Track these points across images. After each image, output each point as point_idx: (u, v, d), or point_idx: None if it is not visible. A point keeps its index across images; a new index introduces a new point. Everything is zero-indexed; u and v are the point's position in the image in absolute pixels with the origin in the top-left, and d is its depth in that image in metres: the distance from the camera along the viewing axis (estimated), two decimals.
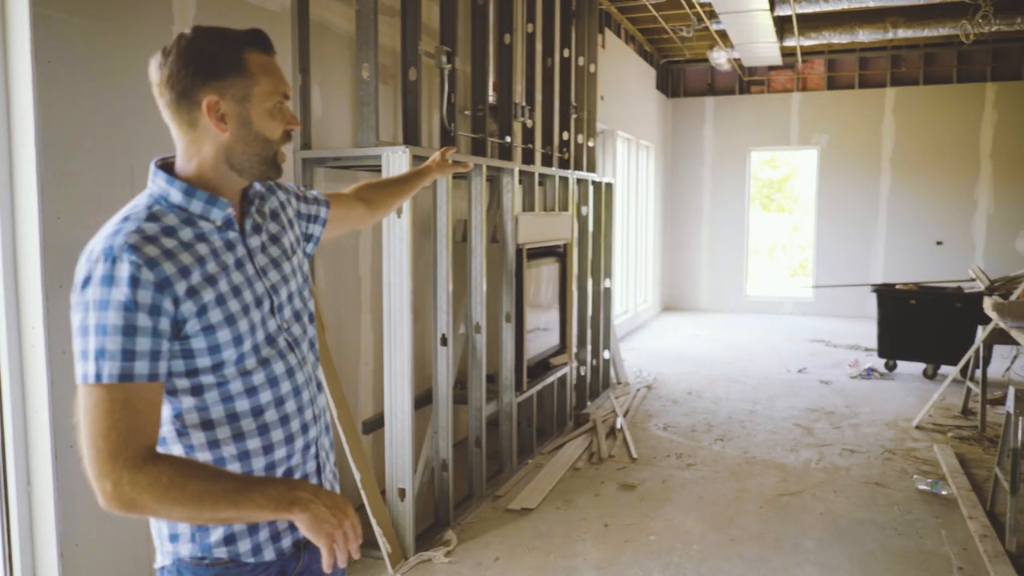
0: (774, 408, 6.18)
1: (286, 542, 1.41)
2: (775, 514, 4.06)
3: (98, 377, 1.17)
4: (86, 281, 1.19)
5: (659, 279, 11.67)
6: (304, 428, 1.43)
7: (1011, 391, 3.76)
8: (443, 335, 3.76)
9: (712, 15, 8.60)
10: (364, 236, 4.18)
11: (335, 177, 3.95)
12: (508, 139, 4.84)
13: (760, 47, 9.25)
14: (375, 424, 4.00)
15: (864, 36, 9.03)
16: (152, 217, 1.26)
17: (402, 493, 3.47)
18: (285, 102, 1.35)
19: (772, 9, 7.86)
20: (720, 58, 10.08)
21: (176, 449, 1.32)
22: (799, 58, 10.89)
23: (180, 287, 1.23)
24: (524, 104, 5.14)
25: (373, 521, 3.37)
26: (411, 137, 3.79)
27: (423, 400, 4.13)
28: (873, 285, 7.65)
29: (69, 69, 2.48)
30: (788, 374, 7.45)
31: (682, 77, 11.99)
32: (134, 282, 1.18)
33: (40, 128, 2.38)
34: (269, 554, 1.38)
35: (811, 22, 9.06)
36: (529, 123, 5.23)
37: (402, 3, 3.79)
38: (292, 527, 1.41)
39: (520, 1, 5.25)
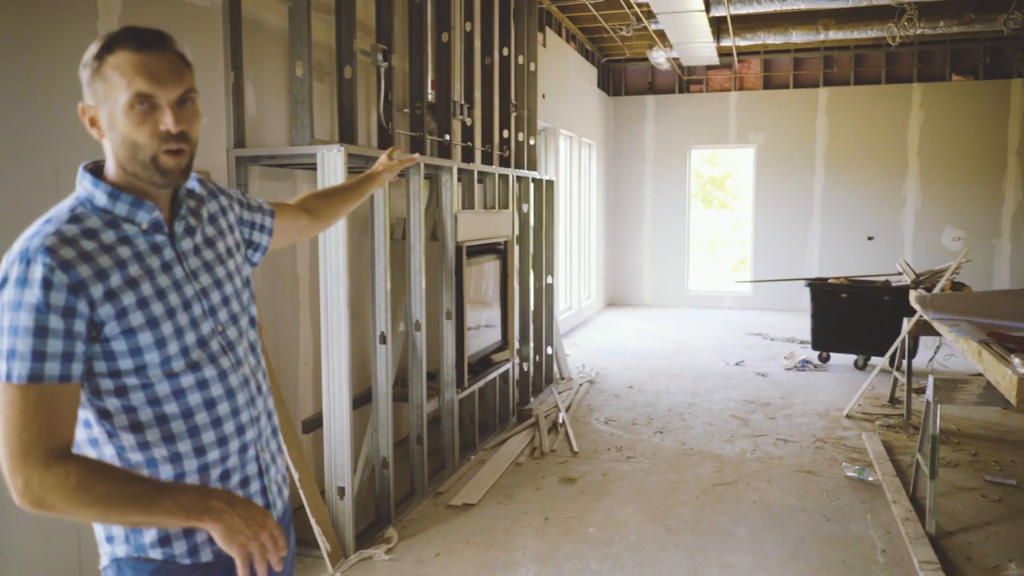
0: (712, 400, 6.33)
1: None
2: (710, 504, 4.18)
3: (8, 377, 1.17)
4: (3, 283, 1.20)
5: (603, 275, 11.82)
6: (240, 430, 1.42)
7: (930, 380, 3.93)
8: (382, 333, 3.77)
9: (650, 15, 8.74)
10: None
11: (270, 175, 3.91)
12: (447, 137, 4.86)
13: (697, 47, 9.44)
14: (315, 423, 3.99)
15: (798, 37, 9.29)
16: (74, 219, 1.27)
17: (341, 492, 3.46)
18: (159, 102, 1.27)
19: (708, 10, 8.03)
20: (659, 57, 10.25)
21: (108, 450, 1.32)
22: (736, 58, 11.15)
23: (96, 290, 1.23)
24: (463, 102, 5.16)
25: (312, 520, 3.36)
26: (347, 135, 3.78)
27: (364, 399, 4.13)
28: (806, 280, 7.89)
29: None
30: (726, 367, 7.63)
31: (623, 76, 12.15)
32: (46, 284, 1.18)
33: None
34: (207, 555, 1.38)
35: (746, 23, 9.29)
36: (468, 121, 5.25)
37: (337, 0, 3.78)
38: None
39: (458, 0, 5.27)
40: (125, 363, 1.28)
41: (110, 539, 1.37)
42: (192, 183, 1.49)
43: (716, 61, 10.37)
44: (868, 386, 6.15)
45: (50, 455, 1.18)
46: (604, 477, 4.56)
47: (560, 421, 5.55)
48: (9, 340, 1.18)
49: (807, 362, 7.60)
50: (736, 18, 9.06)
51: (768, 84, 11.56)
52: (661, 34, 9.52)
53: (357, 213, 4.42)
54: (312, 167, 3.79)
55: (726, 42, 9.46)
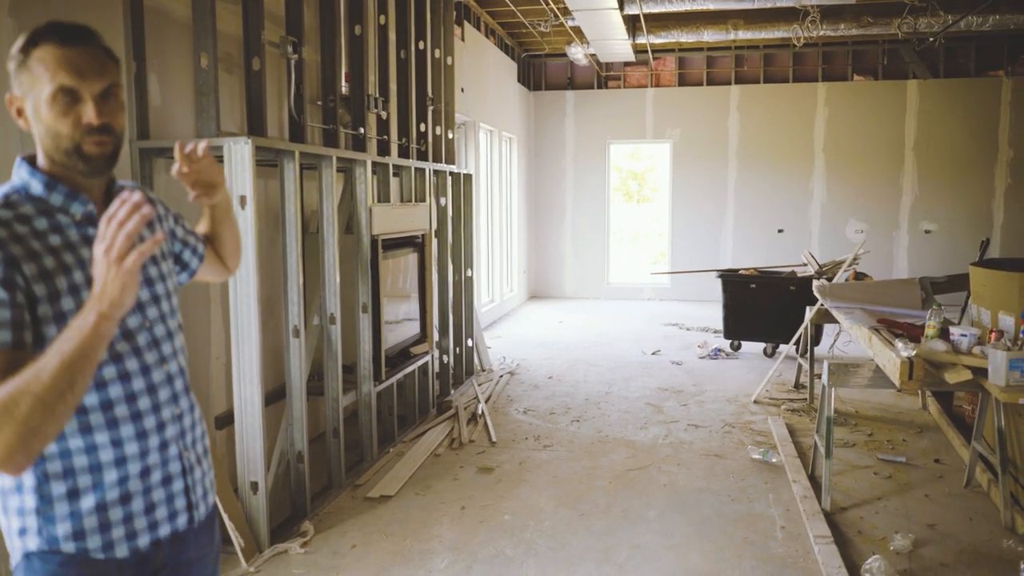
0: (628, 389, 6.50)
1: (143, 540, 1.41)
2: (623, 488, 4.31)
3: None
4: None
5: (525, 268, 11.94)
6: (160, 427, 1.43)
7: (826, 365, 4.15)
8: (295, 327, 3.75)
9: (567, 12, 8.87)
10: None
11: None
12: (362, 131, 4.84)
13: (614, 44, 9.62)
14: (227, 419, 3.93)
15: (709, 36, 9.58)
16: (8, 205, 1.31)
17: (254, 487, 3.44)
18: (82, 95, 1.31)
19: (621, 8, 8.20)
20: (578, 53, 10.41)
21: None
22: (651, 55, 11.40)
23: (29, 268, 1.27)
24: (378, 96, 5.15)
25: (225, 516, 3.32)
26: (256, 128, 3.74)
27: (278, 394, 4.10)
28: (718, 271, 8.16)
29: None
30: (643, 356, 7.83)
31: (543, 71, 12.28)
32: None
33: None
34: (122, 551, 1.38)
35: (660, 21, 9.52)
36: (384, 114, 5.24)
37: None
38: (150, 526, 1.42)
39: None
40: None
41: (22, 531, 1.36)
42: (128, 186, 1.54)
43: (632, 58, 10.59)
44: (775, 372, 6.42)
45: None
46: (521, 466, 4.64)
47: (480, 412, 5.62)
48: None
49: (719, 350, 7.87)
50: (649, 16, 9.28)
51: (683, 81, 11.87)
52: (578, 30, 9.66)
53: (268, 205, 4.37)
54: (219, 159, 3.73)
55: (641, 39, 9.67)
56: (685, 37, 9.64)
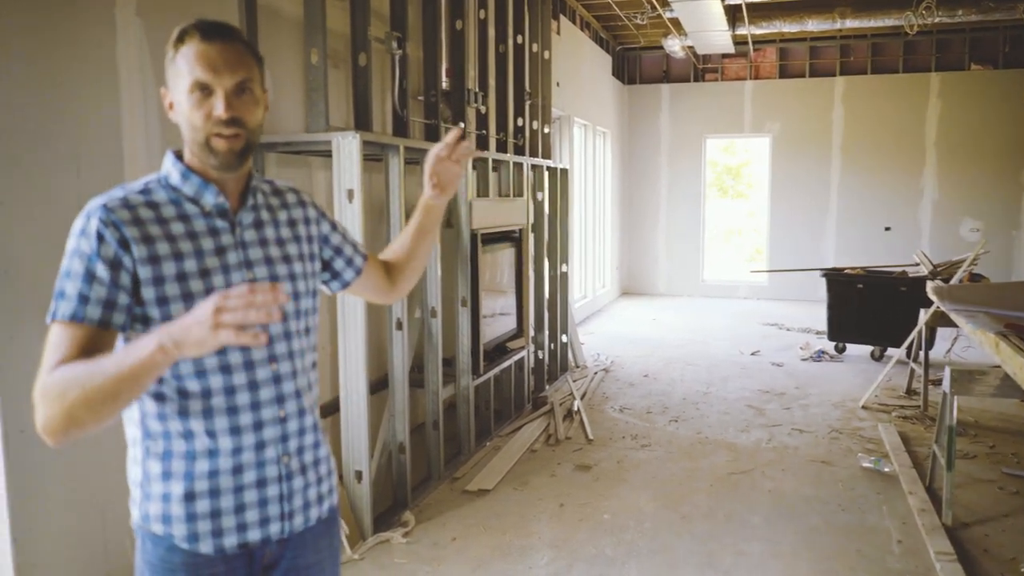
0: (727, 389, 6.32)
1: (229, 540, 1.39)
2: (725, 492, 4.17)
3: (53, 315, 1.27)
4: (71, 233, 1.32)
5: (618, 264, 11.80)
6: (258, 425, 1.40)
7: (947, 371, 3.91)
8: (398, 319, 3.78)
9: (665, 3, 8.69)
10: None
11: (286, 162, 3.93)
12: (462, 125, 4.85)
13: (713, 35, 9.37)
14: (332, 408, 4.01)
15: (813, 25, 9.21)
16: (144, 190, 1.38)
17: (359, 476, 3.49)
18: (215, 89, 1.33)
19: None
20: (674, 46, 10.19)
21: (134, 413, 1.39)
22: (751, 47, 11.06)
23: (139, 251, 1.31)
24: (477, 90, 5.16)
25: None
26: (362, 122, 3.79)
27: (380, 384, 4.15)
28: (822, 270, 7.84)
29: (5, 49, 2.44)
30: (742, 356, 7.61)
31: (638, 64, 12.09)
32: (99, 237, 1.29)
33: None
34: (206, 547, 1.38)
35: (762, 11, 9.21)
36: (483, 109, 5.25)
37: None
38: (239, 527, 1.40)
39: None
40: (152, 327, 1.31)
41: (133, 501, 1.43)
42: (284, 185, 1.57)
43: (732, 50, 10.29)
44: (884, 377, 6.11)
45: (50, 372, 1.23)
46: (619, 465, 4.57)
47: (575, 409, 5.56)
48: (62, 282, 1.29)
49: (823, 352, 7.56)
50: (751, 6, 8.99)
51: (784, 73, 11.47)
52: (676, 22, 9.46)
53: (372, 200, 4.43)
54: (327, 154, 3.80)
55: (741, 30, 9.38)
56: (788, 27, 9.30)
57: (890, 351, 7.42)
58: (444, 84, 4.73)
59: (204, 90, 1.34)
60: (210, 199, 1.40)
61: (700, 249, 12.10)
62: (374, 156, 3.94)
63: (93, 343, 1.26)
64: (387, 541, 3.54)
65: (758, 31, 9.42)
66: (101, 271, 1.28)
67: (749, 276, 12.05)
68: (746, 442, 5.00)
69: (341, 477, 3.58)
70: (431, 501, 4.03)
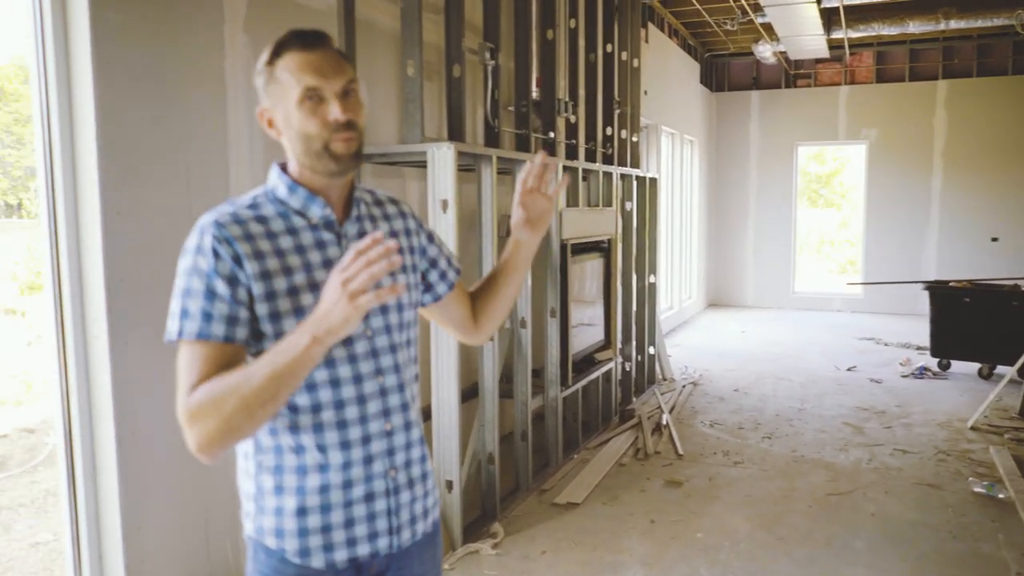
0: (823, 406, 6.08)
1: (339, 555, 1.39)
2: (825, 514, 4.00)
3: (180, 333, 1.28)
4: (184, 251, 1.33)
5: (704, 275, 11.56)
6: (366, 439, 1.40)
7: None
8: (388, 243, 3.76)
9: (757, 8, 8.49)
10: None
11: (380, 173, 3.99)
12: (552, 135, 4.84)
13: (806, 40, 9.10)
14: (424, 417, 4.04)
15: (915, 27, 8.82)
16: (253, 205, 1.39)
17: (449, 485, 3.50)
18: (325, 95, 1.33)
19: (819, 1, 7.72)
20: (765, 51, 9.94)
21: None
22: (847, 51, 10.68)
23: (252, 266, 1.31)
24: (567, 100, 5.14)
25: None
26: (456, 133, 3.81)
27: (469, 393, 4.16)
28: (924, 282, 7.48)
29: (127, 69, 2.55)
30: (837, 372, 7.32)
31: (727, 71, 11.85)
32: (215, 254, 1.30)
33: (100, 127, 2.45)
34: (318, 561, 1.38)
35: (859, 13, 8.88)
36: (572, 118, 5.22)
37: (446, 0, 3.82)
38: (348, 542, 1.39)
39: None
40: (270, 345, 1.32)
41: (246, 514, 1.43)
42: (384, 195, 1.56)
43: (826, 54, 9.97)
44: (995, 397, 5.76)
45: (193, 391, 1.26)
46: (711, 482, 4.44)
47: (664, 423, 5.45)
48: (183, 301, 1.29)
49: (925, 369, 7.20)
50: (848, 9, 8.68)
51: (881, 77, 11.04)
52: (768, 27, 9.23)
53: (464, 209, 4.46)
54: (421, 164, 3.85)
55: (837, 34, 9.07)
56: (887, 30, 8.93)
57: (1000, 369, 7.00)
58: (534, 94, 4.73)
59: (314, 97, 1.33)
60: (317, 211, 1.39)
61: (790, 260, 11.74)
62: (466, 166, 3.96)
63: (224, 359, 1.28)
64: (476, 552, 3.54)
65: (855, 34, 9.09)
66: (221, 288, 1.29)
67: (842, 288, 11.63)
68: (845, 462, 4.79)
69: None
70: (519, 513, 4.01)
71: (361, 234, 1.45)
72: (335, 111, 1.33)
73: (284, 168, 1.43)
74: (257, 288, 1.31)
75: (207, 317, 1.28)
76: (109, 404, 2.50)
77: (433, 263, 1.62)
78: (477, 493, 4.00)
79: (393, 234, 1.52)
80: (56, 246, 2.48)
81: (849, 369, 7.43)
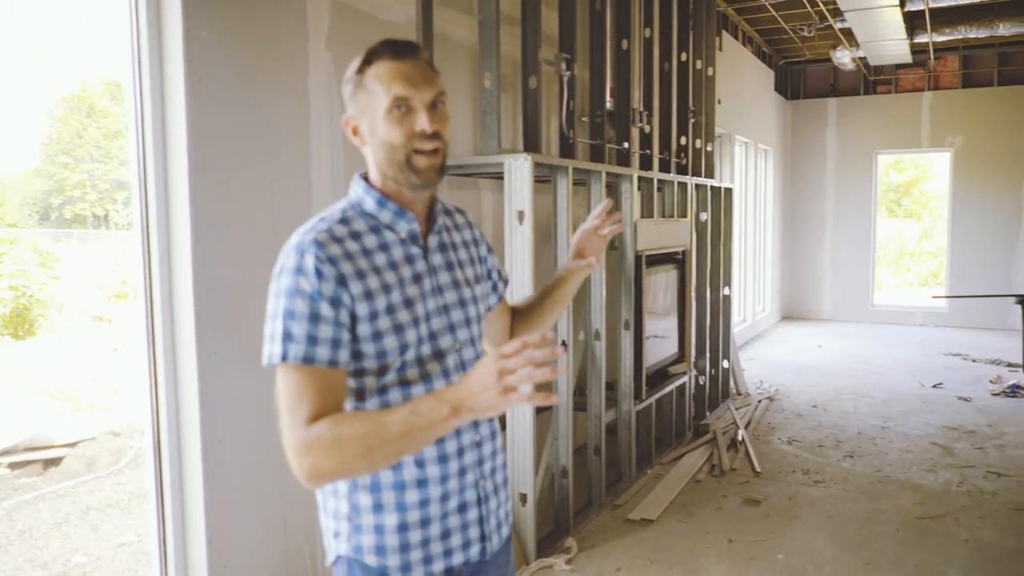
0: (907, 425, 5.83)
1: (437, 566, 1.39)
2: (914, 538, 3.82)
3: (283, 357, 1.25)
4: (280, 271, 1.29)
5: (778, 287, 11.28)
6: (460, 452, 1.40)
7: None
8: (563, 341, 3.75)
9: (836, 13, 8.26)
10: (485, 236, 4.22)
11: (456, 185, 4.01)
12: (626, 145, 4.79)
13: (888, 45, 8.80)
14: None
15: (1005, 30, 8.43)
16: (344, 221, 1.35)
17: (523, 498, 3.47)
18: (412, 105, 1.33)
19: (902, 4, 7.46)
20: (844, 57, 9.66)
21: None
22: (931, 55, 10.29)
23: (355, 287, 1.29)
24: (642, 109, 5.07)
25: None
26: (531, 144, 3.80)
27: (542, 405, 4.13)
28: (1017, 296, 7.12)
29: (216, 85, 2.62)
30: (922, 389, 7.02)
31: (802, 78, 11.56)
32: (319, 274, 1.26)
33: (191, 142, 2.53)
34: (417, 574, 1.38)
35: (945, 16, 8.54)
36: (647, 128, 5.16)
37: (522, 12, 3.82)
38: (444, 553, 1.40)
39: (637, 6, 5.20)
40: (370, 363, 1.32)
41: (336, 534, 1.40)
42: (451, 206, 1.56)
43: (908, 59, 9.62)
44: None
45: (308, 422, 1.24)
46: (791, 501, 4.30)
47: (739, 439, 5.31)
48: (285, 323, 1.25)
49: (1018, 387, 6.84)
50: (934, 12, 8.36)
51: (967, 82, 10.60)
52: (847, 32, 8.97)
53: (538, 221, 4.44)
54: (497, 176, 3.85)
55: (921, 38, 8.74)
56: (975, 32, 8.56)
57: None
58: (609, 104, 4.69)
59: (403, 107, 1.32)
60: (405, 226, 1.38)
61: (869, 272, 11.35)
62: (542, 177, 3.94)
63: (329, 383, 1.26)
64: (550, 567, 3.49)
65: (940, 38, 8.75)
66: (325, 310, 1.26)
67: (925, 302, 11.18)
68: (934, 484, 4.57)
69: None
70: (593, 528, 3.95)
71: (441, 247, 1.45)
72: (423, 121, 1.32)
73: (365, 178, 1.42)
74: (361, 309, 1.29)
75: (312, 340, 1.25)
76: (196, 411, 2.56)
77: (488, 274, 1.62)
78: (550, 507, 3.96)
79: (464, 244, 1.53)
80: (148, 257, 2.56)
81: (935, 386, 7.12)
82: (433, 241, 1.44)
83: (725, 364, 6.37)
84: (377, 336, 1.31)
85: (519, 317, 1.74)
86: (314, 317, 1.25)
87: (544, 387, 4.05)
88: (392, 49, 1.34)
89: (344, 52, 3.14)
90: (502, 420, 3.65)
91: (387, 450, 1.20)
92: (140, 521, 4.58)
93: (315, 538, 3.01)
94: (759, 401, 6.47)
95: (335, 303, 1.27)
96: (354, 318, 1.29)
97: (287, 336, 1.25)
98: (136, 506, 4.83)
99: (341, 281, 1.27)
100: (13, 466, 5.42)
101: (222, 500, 2.66)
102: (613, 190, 4.53)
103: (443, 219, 1.49)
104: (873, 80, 11.09)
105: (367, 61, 1.35)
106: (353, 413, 1.25)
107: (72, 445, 5.70)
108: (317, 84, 3.05)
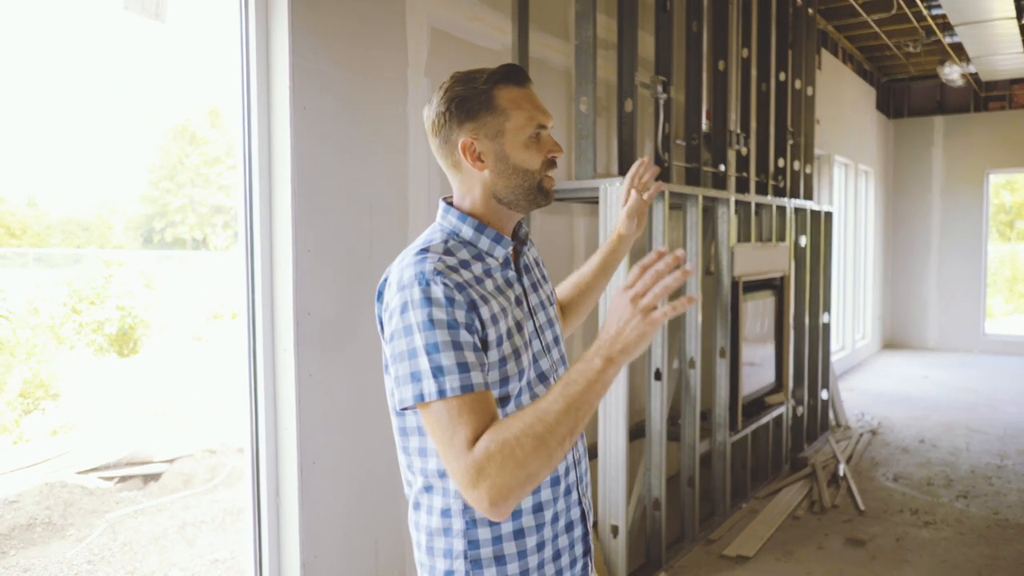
0: None
1: None
2: None
3: (441, 393, 1.17)
4: (404, 306, 1.23)
5: (879, 314, 10.77)
6: (567, 471, 1.41)
7: None
8: (657, 369, 3.66)
9: (946, 27, 7.89)
10: (576, 262, 4.18)
11: (550, 209, 3.99)
12: (722, 168, 4.67)
13: (1002, 59, 8.34)
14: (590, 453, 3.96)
15: None
16: (448, 251, 1.31)
17: (615, 530, 3.38)
18: (544, 131, 1.36)
19: (1019, 17, 7.06)
20: (952, 73, 9.21)
21: (450, 485, 1.32)
22: None
23: (484, 312, 1.26)
24: (739, 131, 4.95)
25: None
26: (626, 168, 3.75)
27: (634, 433, 4.04)
28: None
29: (320, 113, 2.69)
30: None
31: (906, 95, 11.09)
32: (451, 302, 1.22)
33: (295, 169, 2.59)
34: None
35: None
36: (744, 151, 5.03)
37: (619, 35, 3.79)
38: (556, 574, 1.38)
39: (735, 26, 5.10)
40: (494, 391, 1.29)
41: (448, 573, 1.34)
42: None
43: None
44: None
45: (472, 444, 1.17)
46: (899, 543, 4.05)
47: (840, 474, 5.06)
48: (432, 358, 1.19)
49: None
50: None
51: None
52: (957, 47, 8.56)
53: (633, 244, 4.37)
54: (591, 200, 3.81)
55: None
56: None
57: None
58: (704, 126, 4.59)
59: (539, 134, 1.35)
60: (502, 251, 1.37)
61: (980, 299, 10.72)
62: None
63: (489, 408, 1.19)
64: None
65: None
66: (464, 336, 1.21)
67: None
68: None
69: (595, 527, 3.49)
70: (686, 563, 3.82)
71: (526, 268, 1.46)
72: (556, 147, 1.37)
73: (452, 205, 1.40)
74: (491, 334, 1.26)
75: (464, 367, 1.19)
76: (293, 433, 2.60)
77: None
78: (641, 539, 3.85)
79: (536, 263, 1.53)
80: (252, 280, 2.63)
81: None
82: (521, 264, 1.45)
83: (824, 394, 6.10)
84: (502, 362, 1.29)
85: (565, 300, 1.78)
86: (457, 345, 1.20)
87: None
88: (516, 76, 1.36)
89: (442, 79, 3.17)
90: (592, 449, 3.59)
91: (559, 432, 1.12)
92: (234, 538, 4.68)
93: (405, 563, 3.01)
94: (861, 434, 6.16)
95: (470, 329, 1.22)
96: (485, 344, 1.26)
97: (438, 371, 1.18)
98: (230, 523, 4.95)
99: (472, 307, 1.24)
100: (117, 479, 5.66)
101: (316, 523, 2.68)
102: (709, 214, 4.42)
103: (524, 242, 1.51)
104: (984, 96, 10.53)
105: (493, 83, 1.34)
106: (505, 418, 1.17)
107: (170, 461, 5.91)
108: (416, 111, 3.08)
